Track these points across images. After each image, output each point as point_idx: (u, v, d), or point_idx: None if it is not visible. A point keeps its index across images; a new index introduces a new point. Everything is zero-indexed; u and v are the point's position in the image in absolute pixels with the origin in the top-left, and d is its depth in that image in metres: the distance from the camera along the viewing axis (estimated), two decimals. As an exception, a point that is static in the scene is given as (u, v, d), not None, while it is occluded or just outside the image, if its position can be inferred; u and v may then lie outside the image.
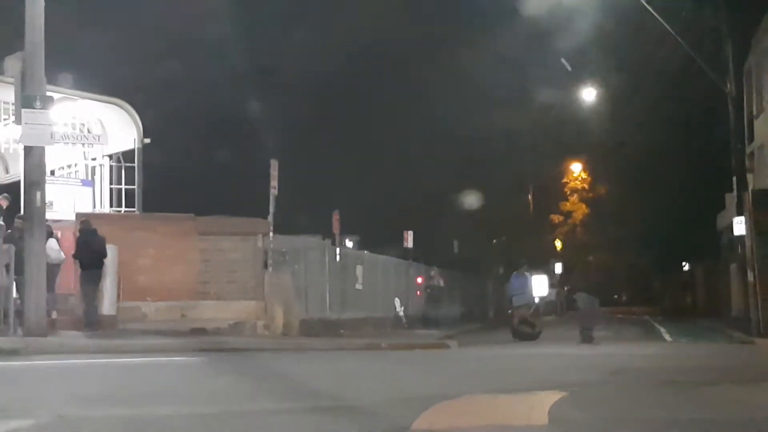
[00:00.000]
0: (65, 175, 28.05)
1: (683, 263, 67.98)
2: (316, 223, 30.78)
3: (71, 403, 9.51)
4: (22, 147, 18.89)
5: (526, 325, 27.91)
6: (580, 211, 72.91)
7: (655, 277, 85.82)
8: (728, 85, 30.53)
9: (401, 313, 33.39)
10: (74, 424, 8.12)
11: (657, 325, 38.60)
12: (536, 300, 59.94)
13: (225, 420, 8.41)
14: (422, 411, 8.60)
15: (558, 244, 73.48)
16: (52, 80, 20.98)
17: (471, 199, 50.22)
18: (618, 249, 72.74)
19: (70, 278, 21.65)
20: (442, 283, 36.84)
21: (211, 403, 9.69)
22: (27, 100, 18.16)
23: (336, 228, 27.98)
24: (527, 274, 29.74)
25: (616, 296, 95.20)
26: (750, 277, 28.69)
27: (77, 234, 20.73)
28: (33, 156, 18.45)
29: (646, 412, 8.90)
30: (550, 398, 9.59)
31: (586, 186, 72.59)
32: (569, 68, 48.03)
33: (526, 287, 28.99)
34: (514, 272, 29.88)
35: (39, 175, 18.59)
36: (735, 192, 30.63)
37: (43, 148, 18.57)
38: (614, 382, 11.96)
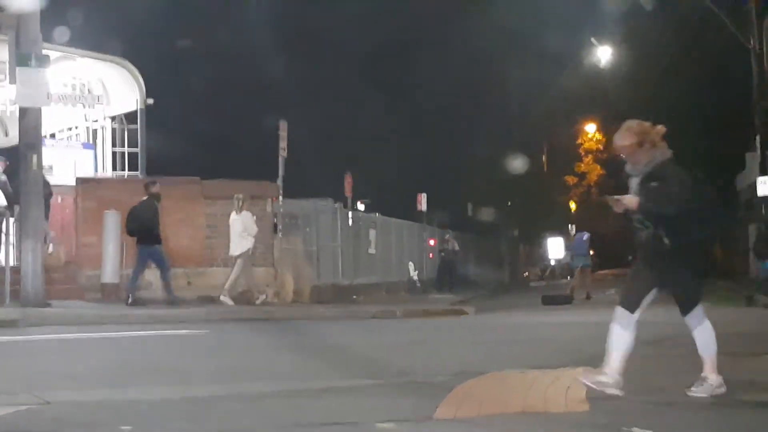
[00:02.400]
0: (66, 138, 27.28)
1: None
2: (328, 186, 30.04)
3: (63, 384, 8.75)
4: (19, 108, 18.16)
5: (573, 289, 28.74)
6: (594, 172, 72.07)
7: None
8: (752, 41, 29.62)
9: (415, 278, 32.83)
10: (60, 412, 7.31)
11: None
12: (552, 263, 59.33)
13: (221, 405, 7.59)
14: (446, 392, 7.79)
15: (572, 205, 72.74)
16: (49, 38, 20.12)
17: (486, 160, 49.50)
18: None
19: (70, 242, 20.99)
20: (456, 247, 36.13)
21: (214, 383, 8.92)
22: (22, 58, 17.45)
23: (348, 191, 27.32)
24: (587, 234, 30.75)
25: (631, 257, 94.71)
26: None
27: None
28: (29, 117, 17.75)
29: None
30: (585, 376, 8.73)
31: (600, 147, 71.69)
32: (597, 44, 47.07)
33: (585, 248, 30.04)
34: (576, 233, 30.90)
35: (35, 137, 17.94)
36: (758, 151, 29.80)
37: (39, 109, 17.90)
38: (652, 355, 11.08)
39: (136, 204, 19.57)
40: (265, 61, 46.66)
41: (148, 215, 19.46)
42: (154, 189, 19.81)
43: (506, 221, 54.74)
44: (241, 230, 20.85)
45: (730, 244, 55.96)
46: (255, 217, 21.20)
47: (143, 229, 19.36)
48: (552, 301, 26.34)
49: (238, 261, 20.81)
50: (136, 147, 26.38)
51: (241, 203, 20.94)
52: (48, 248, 19.60)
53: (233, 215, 21.03)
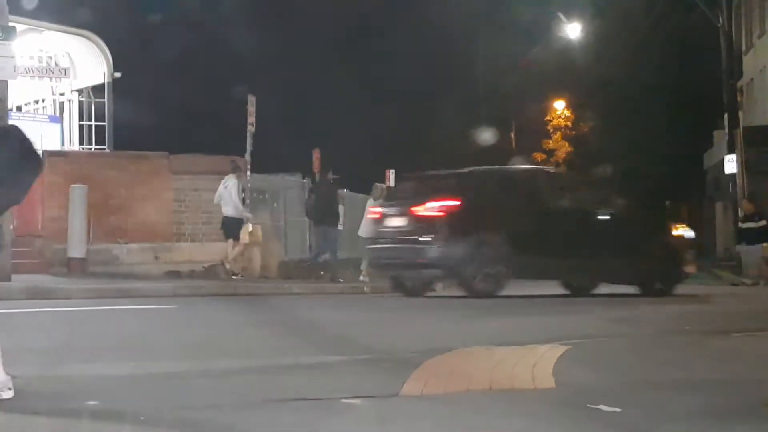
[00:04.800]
0: (32, 111, 27.08)
1: (665, 201, 67.43)
2: (296, 161, 29.93)
3: (29, 358, 8.62)
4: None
5: None
6: (563, 149, 72.16)
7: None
8: (720, 19, 29.74)
9: (383, 253, 32.72)
10: (25, 385, 7.21)
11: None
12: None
13: (187, 381, 7.56)
14: (413, 368, 7.79)
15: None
16: (15, 10, 19.92)
17: (455, 136, 49.51)
18: (601, 187, 72.06)
19: (36, 216, 20.85)
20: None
21: (181, 359, 8.86)
22: (-13, 30, 17.20)
23: (316, 166, 27.22)
24: None
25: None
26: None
27: None
28: (-5, 90, 17.55)
29: (660, 372, 8.07)
30: (552, 353, 8.76)
31: (569, 124, 71.78)
32: (565, 20, 47.10)
33: None
34: None
35: (1, 110, 17.72)
36: (726, 129, 29.96)
37: (6, 82, 17.74)
38: (617, 332, 11.15)
39: (316, 187, 22.09)
40: (234, 34, 46.38)
41: (328, 198, 21.68)
42: (331, 175, 22.21)
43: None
44: None
45: (696, 222, 56.38)
46: None
47: (322, 211, 21.37)
48: None
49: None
50: (104, 120, 26.23)
51: (380, 192, 22.41)
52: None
53: (370, 201, 22.40)
